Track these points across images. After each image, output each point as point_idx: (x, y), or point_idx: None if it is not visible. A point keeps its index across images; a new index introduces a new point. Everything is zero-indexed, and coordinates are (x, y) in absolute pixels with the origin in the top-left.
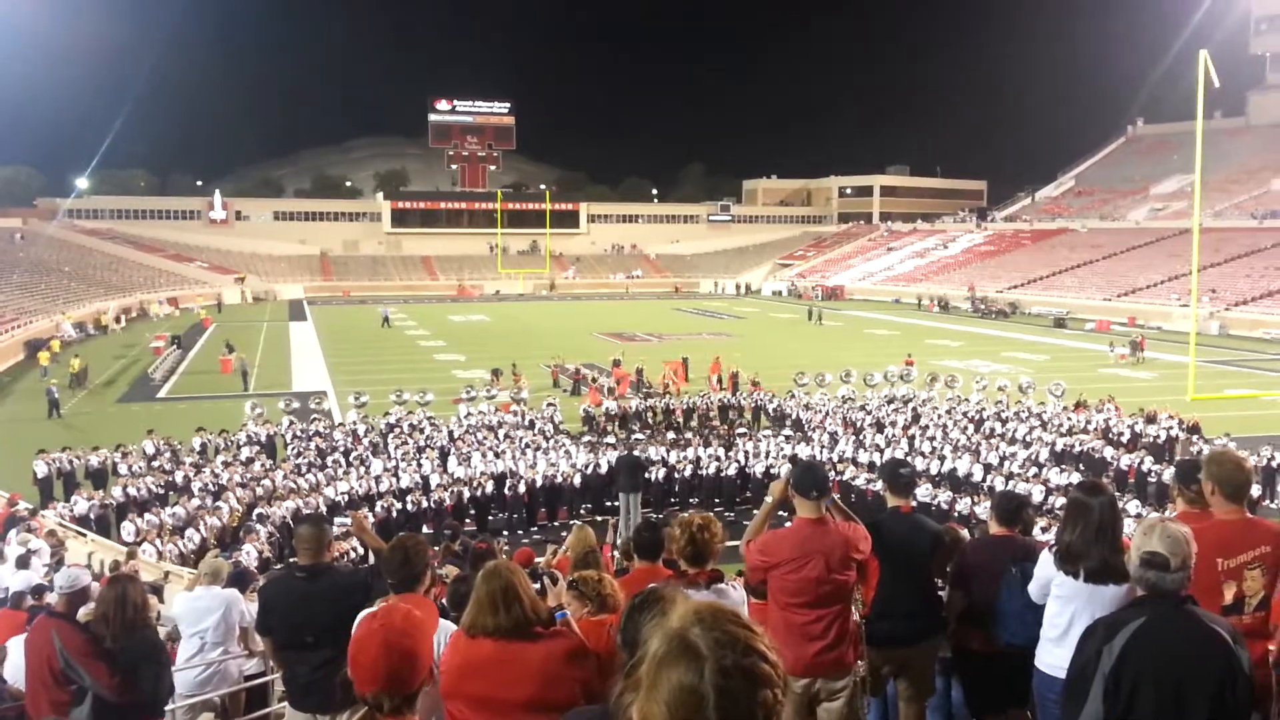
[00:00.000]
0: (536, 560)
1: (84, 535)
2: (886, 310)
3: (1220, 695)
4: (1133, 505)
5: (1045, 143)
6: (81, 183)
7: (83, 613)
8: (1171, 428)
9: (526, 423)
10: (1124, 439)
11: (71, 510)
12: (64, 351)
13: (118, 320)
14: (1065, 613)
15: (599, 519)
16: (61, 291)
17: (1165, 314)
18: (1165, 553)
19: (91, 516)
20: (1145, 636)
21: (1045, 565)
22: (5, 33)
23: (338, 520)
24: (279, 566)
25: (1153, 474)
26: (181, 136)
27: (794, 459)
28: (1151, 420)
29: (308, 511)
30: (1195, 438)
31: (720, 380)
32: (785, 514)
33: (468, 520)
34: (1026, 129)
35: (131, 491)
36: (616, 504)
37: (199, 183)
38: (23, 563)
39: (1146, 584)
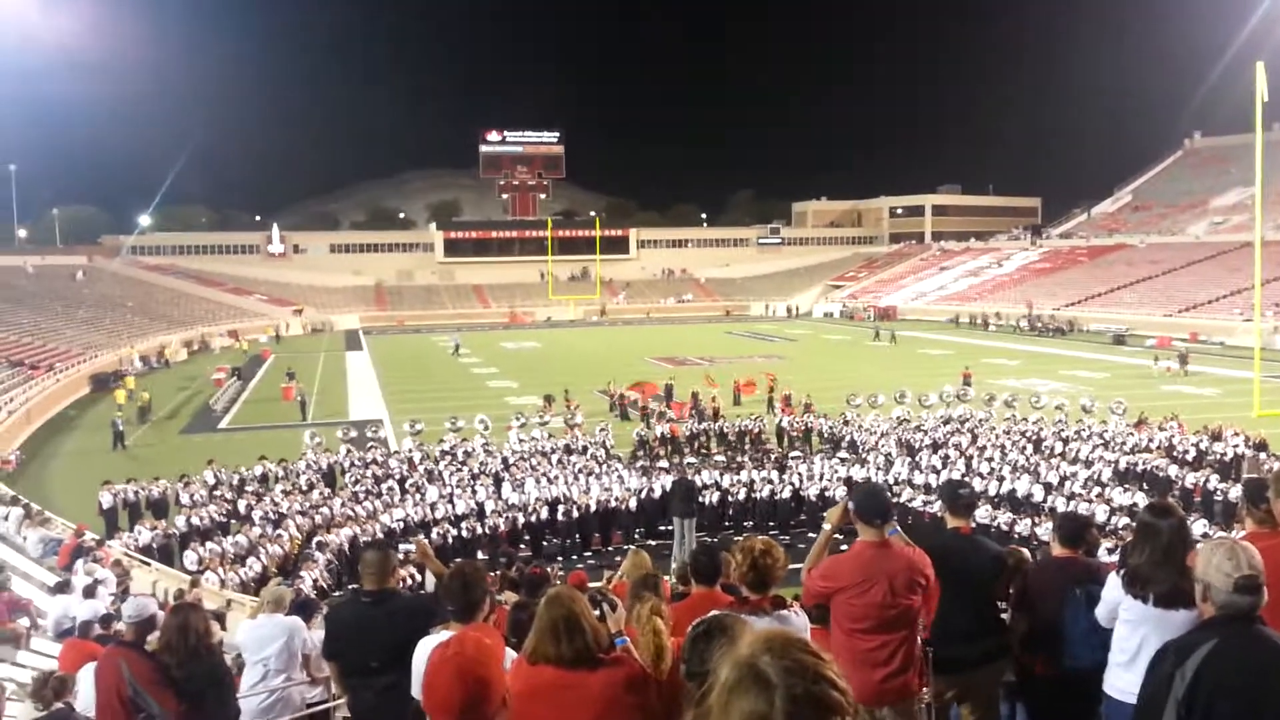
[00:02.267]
0: (591, 585)
1: (148, 565)
2: (940, 330)
3: None
4: (1199, 525)
5: (1100, 158)
6: (144, 220)
7: (149, 642)
8: (1238, 445)
9: (580, 447)
10: (1188, 457)
11: (136, 540)
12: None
13: (188, 346)
14: (1134, 637)
15: (652, 543)
16: (125, 326)
17: (1228, 329)
18: (1258, 574)
19: (155, 546)
20: (1218, 659)
21: (1113, 588)
22: (71, 80)
23: (400, 547)
24: (338, 594)
25: (1219, 492)
26: (239, 173)
27: (849, 481)
28: (1217, 438)
29: (365, 539)
30: (1263, 455)
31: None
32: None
33: (522, 546)
34: (1081, 145)
35: (194, 521)
36: (670, 528)
37: (257, 217)
38: (89, 593)
39: (1236, 609)
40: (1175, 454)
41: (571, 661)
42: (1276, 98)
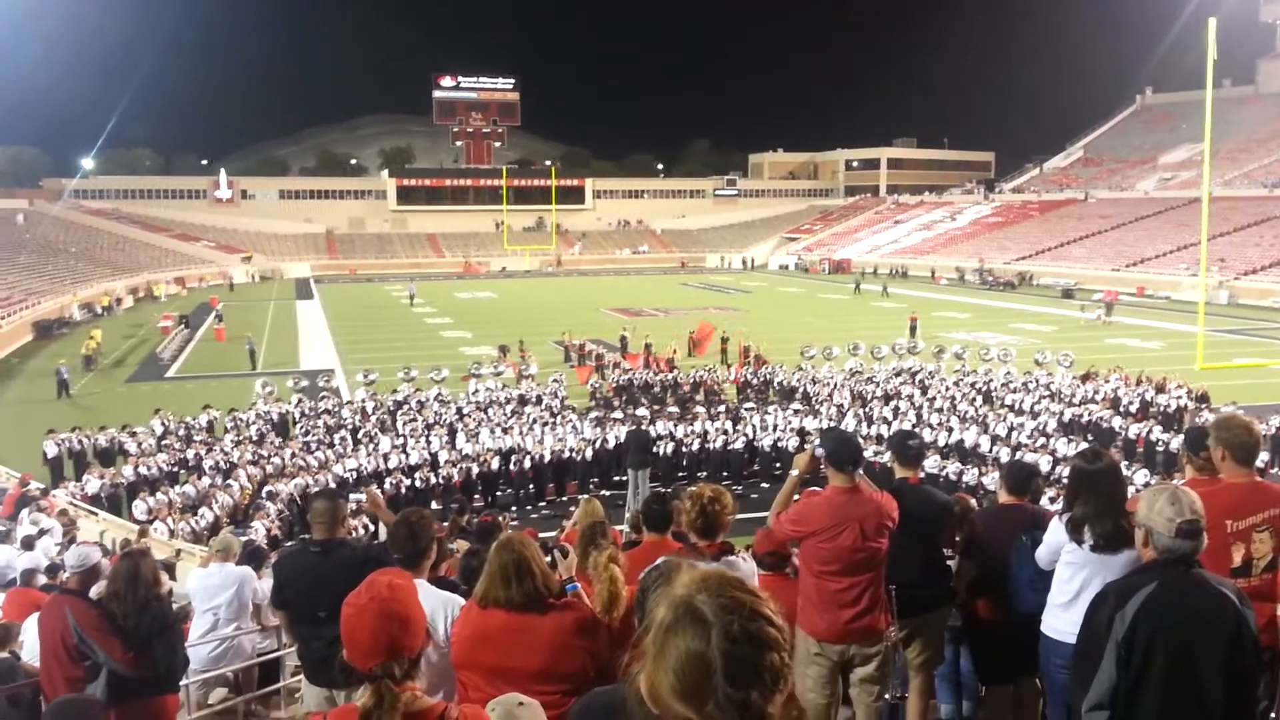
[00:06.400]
0: (543, 537)
1: (95, 514)
2: (895, 284)
3: (1230, 658)
4: (1140, 475)
5: (1053, 113)
6: (87, 163)
7: (95, 590)
8: (1180, 397)
9: (534, 398)
10: (1133, 408)
11: (83, 489)
12: (75, 333)
13: (134, 294)
14: (1076, 579)
15: (607, 493)
16: (68, 272)
17: (1174, 284)
18: (1199, 519)
19: (103, 496)
20: (1158, 602)
21: (1056, 532)
22: (10, 15)
23: (351, 497)
24: (290, 543)
25: (1161, 443)
26: (186, 116)
27: (802, 432)
28: (1160, 390)
29: (317, 489)
30: (1203, 407)
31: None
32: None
33: (476, 496)
34: (1034, 99)
35: (143, 470)
36: (624, 479)
37: (204, 162)
38: (28, 544)
39: (1177, 553)
40: (1120, 405)
41: (520, 605)
42: (1228, 55)
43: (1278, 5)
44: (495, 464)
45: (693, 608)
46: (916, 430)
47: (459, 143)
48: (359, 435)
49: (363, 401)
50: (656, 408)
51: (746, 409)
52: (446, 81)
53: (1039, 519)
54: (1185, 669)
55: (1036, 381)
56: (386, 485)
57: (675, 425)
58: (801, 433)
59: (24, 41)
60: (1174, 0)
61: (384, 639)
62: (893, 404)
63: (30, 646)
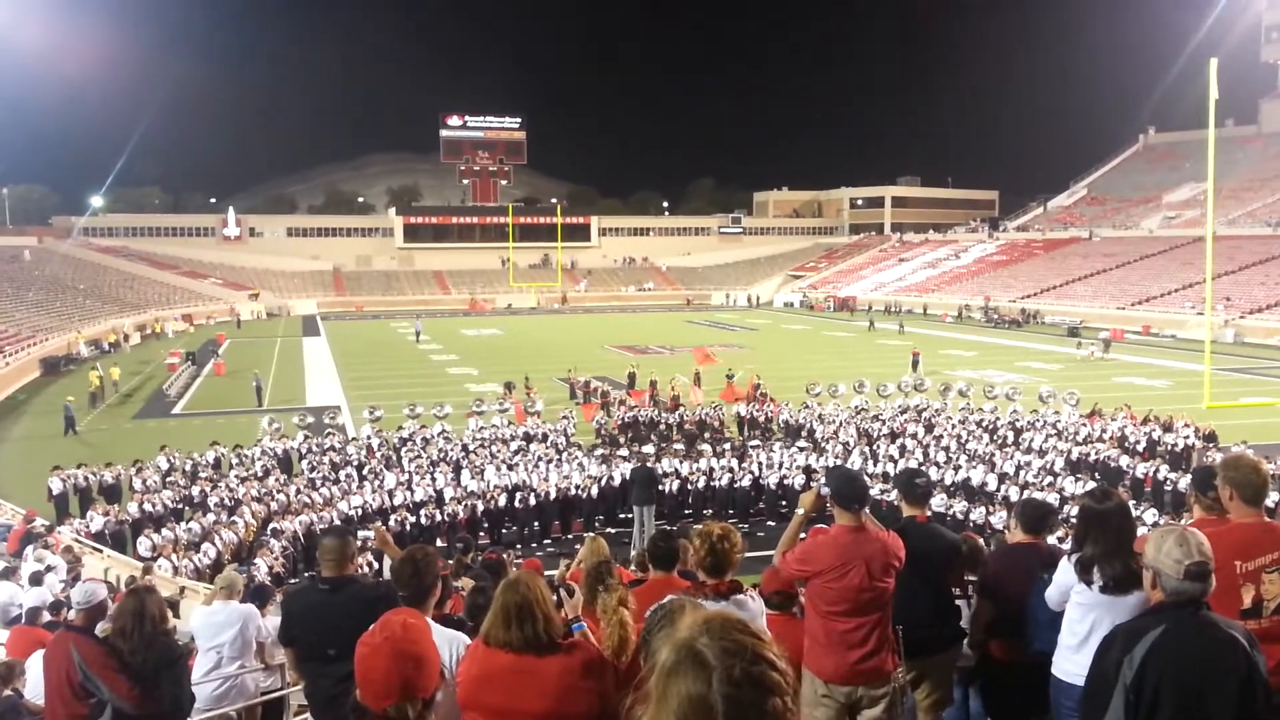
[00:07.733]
0: (548, 573)
1: (100, 551)
2: (896, 320)
3: (1241, 702)
4: (1149, 514)
5: (1057, 152)
6: (96, 201)
7: (101, 627)
8: (1188, 436)
9: (540, 435)
10: (1140, 447)
11: (88, 526)
12: (82, 367)
13: (141, 330)
14: (1085, 620)
15: (612, 531)
16: (76, 309)
17: (1180, 322)
18: (1207, 561)
19: (107, 532)
20: (1166, 646)
21: (1066, 572)
22: (20, 53)
23: (360, 534)
24: (294, 581)
25: (1169, 482)
26: (195, 154)
27: (808, 470)
28: (1168, 428)
29: (322, 526)
30: (1211, 446)
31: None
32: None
33: (481, 534)
34: (1038, 138)
35: (147, 507)
36: (630, 516)
37: (212, 200)
38: (36, 580)
39: (1186, 595)
40: (1127, 445)
41: (521, 647)
42: (1230, 95)
43: (1278, 46)
44: (501, 501)
45: (695, 651)
46: (923, 468)
47: (465, 181)
48: (364, 472)
49: (368, 438)
50: (662, 445)
51: (752, 446)
52: (453, 121)
53: (1057, 558)
54: (1195, 714)
55: (1044, 420)
56: (391, 522)
57: (681, 463)
58: (807, 471)
59: (34, 81)
60: (1176, 40)
61: (397, 679)
62: (899, 442)
63: (34, 684)
